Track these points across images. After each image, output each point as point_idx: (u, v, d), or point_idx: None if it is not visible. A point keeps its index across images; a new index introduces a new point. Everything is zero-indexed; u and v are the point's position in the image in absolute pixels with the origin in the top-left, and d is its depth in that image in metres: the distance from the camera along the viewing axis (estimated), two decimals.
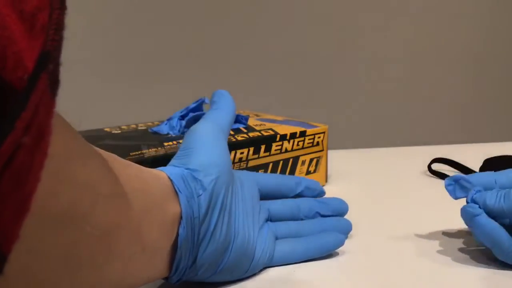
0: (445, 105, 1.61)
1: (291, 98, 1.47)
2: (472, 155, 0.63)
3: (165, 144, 0.49)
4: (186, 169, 0.35)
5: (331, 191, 0.47)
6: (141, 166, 0.33)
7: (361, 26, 1.52)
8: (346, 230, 0.43)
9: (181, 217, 0.33)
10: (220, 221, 0.35)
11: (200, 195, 0.34)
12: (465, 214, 0.40)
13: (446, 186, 0.44)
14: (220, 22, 1.44)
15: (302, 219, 0.43)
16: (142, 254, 0.31)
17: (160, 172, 0.34)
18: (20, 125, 0.16)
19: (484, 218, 0.39)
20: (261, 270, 0.39)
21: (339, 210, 0.44)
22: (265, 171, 0.53)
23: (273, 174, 0.45)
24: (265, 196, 0.43)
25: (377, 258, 0.42)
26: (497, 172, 0.43)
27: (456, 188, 0.43)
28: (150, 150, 0.46)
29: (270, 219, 0.42)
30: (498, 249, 0.39)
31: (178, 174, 0.34)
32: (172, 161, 0.37)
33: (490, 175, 0.43)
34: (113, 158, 0.30)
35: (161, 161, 0.45)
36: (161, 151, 0.46)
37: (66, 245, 0.24)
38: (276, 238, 0.41)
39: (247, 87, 1.44)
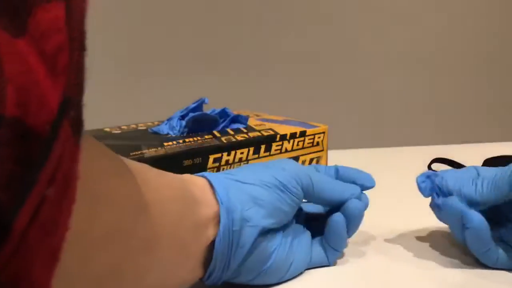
0: (445, 105, 1.61)
1: (291, 98, 1.47)
2: (472, 155, 0.63)
3: (165, 144, 0.49)
4: (239, 182, 0.36)
5: None
6: (172, 174, 0.34)
7: (361, 26, 1.52)
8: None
9: (218, 229, 0.33)
10: (269, 237, 0.35)
11: (248, 209, 0.34)
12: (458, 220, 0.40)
13: (420, 183, 0.43)
14: (220, 22, 1.43)
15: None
16: (178, 258, 0.31)
17: (197, 178, 0.35)
18: (44, 177, 0.15)
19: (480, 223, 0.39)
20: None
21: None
22: None
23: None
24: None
25: (376, 259, 0.42)
26: (479, 167, 0.43)
27: (427, 185, 0.43)
28: (150, 150, 0.46)
29: (307, 218, 0.42)
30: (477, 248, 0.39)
31: (225, 186, 0.35)
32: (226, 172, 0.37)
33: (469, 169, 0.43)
34: (146, 169, 0.31)
35: (161, 161, 0.45)
36: (161, 151, 0.46)
37: (112, 262, 0.25)
38: (314, 238, 0.41)
39: (247, 87, 1.44)
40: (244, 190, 0.35)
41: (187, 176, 0.35)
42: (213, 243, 0.33)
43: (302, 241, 0.39)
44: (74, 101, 0.17)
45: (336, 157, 0.65)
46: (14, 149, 0.15)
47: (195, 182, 0.35)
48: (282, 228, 0.38)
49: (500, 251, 0.39)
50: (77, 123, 0.17)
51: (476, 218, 0.38)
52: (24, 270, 0.15)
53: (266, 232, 0.36)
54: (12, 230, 0.14)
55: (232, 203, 0.34)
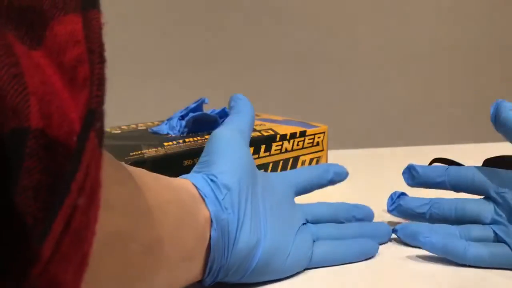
0: (445, 105, 1.61)
1: (291, 98, 1.47)
2: (472, 155, 0.63)
3: (165, 144, 0.49)
4: (209, 174, 0.36)
5: (330, 191, 0.47)
6: (167, 177, 0.34)
7: (361, 26, 1.52)
8: (385, 236, 0.44)
9: (211, 220, 0.34)
10: (247, 222, 0.35)
11: (223, 198, 0.35)
12: (410, 237, 0.43)
13: (403, 174, 0.46)
14: (220, 22, 1.44)
15: (342, 222, 0.43)
16: (182, 261, 0.32)
17: (185, 181, 0.35)
18: (75, 187, 0.16)
19: (434, 239, 0.41)
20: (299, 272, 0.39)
21: (368, 215, 0.45)
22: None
23: (303, 169, 0.46)
24: (302, 191, 0.44)
25: (375, 259, 0.42)
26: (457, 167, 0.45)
27: (409, 175, 0.45)
28: (150, 150, 0.46)
29: (310, 221, 0.42)
30: (455, 258, 0.40)
31: (201, 180, 0.35)
32: (195, 168, 0.38)
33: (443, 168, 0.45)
34: (142, 173, 0.31)
35: (161, 161, 0.45)
36: (161, 151, 0.46)
37: (116, 266, 0.25)
38: (318, 240, 0.41)
39: (247, 87, 1.44)
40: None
41: (177, 179, 0.36)
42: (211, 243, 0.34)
43: (299, 239, 0.39)
44: (98, 112, 0.17)
45: (336, 157, 0.65)
46: (40, 160, 0.15)
47: (188, 183, 0.35)
48: (274, 223, 0.38)
49: (472, 248, 0.40)
50: (101, 133, 0.18)
51: (428, 247, 0.41)
52: (59, 277, 0.16)
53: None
54: (47, 239, 0.15)
55: (214, 195, 0.35)
